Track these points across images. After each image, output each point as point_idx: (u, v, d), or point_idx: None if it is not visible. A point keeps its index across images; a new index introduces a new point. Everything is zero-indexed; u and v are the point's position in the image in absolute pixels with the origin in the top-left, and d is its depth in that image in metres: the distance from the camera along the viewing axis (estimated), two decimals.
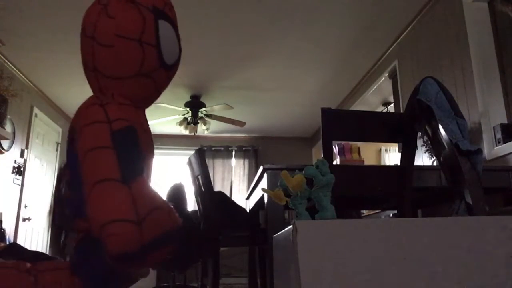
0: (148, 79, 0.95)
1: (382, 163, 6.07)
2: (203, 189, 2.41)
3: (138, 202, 0.76)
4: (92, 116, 0.84)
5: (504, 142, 2.42)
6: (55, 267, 0.84)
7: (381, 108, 5.16)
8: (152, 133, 1.05)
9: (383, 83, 4.29)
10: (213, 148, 6.75)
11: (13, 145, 4.32)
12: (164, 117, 5.25)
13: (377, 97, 4.90)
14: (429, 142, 1.71)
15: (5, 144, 4.15)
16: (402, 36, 3.72)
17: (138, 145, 0.86)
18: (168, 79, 1.03)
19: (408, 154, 1.68)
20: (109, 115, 0.84)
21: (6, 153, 4.19)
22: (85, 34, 0.95)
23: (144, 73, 0.94)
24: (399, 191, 1.69)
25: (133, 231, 0.73)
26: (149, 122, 1.06)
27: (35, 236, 4.90)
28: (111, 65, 0.92)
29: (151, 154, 0.97)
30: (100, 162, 0.79)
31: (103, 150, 0.79)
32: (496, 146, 2.50)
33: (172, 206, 0.88)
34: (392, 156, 6.17)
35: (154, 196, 0.83)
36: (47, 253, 2.57)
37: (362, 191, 1.79)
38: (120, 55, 0.91)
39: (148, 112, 1.07)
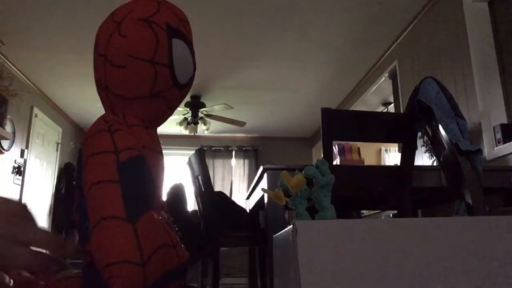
0: (160, 99, 0.93)
1: (382, 163, 6.06)
2: (203, 189, 2.41)
3: (143, 242, 0.74)
4: (99, 145, 0.82)
5: (504, 142, 2.42)
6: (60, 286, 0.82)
7: (381, 108, 5.16)
8: None
9: (383, 83, 4.29)
10: (213, 148, 6.75)
11: (13, 145, 4.32)
12: None
13: (377, 97, 4.90)
14: (429, 142, 1.71)
15: (5, 144, 4.15)
16: (402, 36, 3.72)
17: (147, 175, 0.84)
18: (181, 97, 1.00)
19: (408, 154, 1.68)
20: (116, 144, 0.81)
21: (6, 153, 4.20)
22: (97, 52, 0.93)
23: (156, 94, 0.91)
24: (399, 191, 1.69)
25: (137, 273, 0.72)
26: None
27: None
28: (122, 85, 0.90)
29: (162, 176, 0.95)
30: (105, 197, 0.77)
31: (108, 185, 0.77)
32: (496, 146, 2.50)
33: (178, 239, 0.87)
34: (392, 156, 6.16)
35: (160, 233, 0.81)
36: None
37: (362, 191, 1.79)
38: (131, 76, 0.89)
39: None
